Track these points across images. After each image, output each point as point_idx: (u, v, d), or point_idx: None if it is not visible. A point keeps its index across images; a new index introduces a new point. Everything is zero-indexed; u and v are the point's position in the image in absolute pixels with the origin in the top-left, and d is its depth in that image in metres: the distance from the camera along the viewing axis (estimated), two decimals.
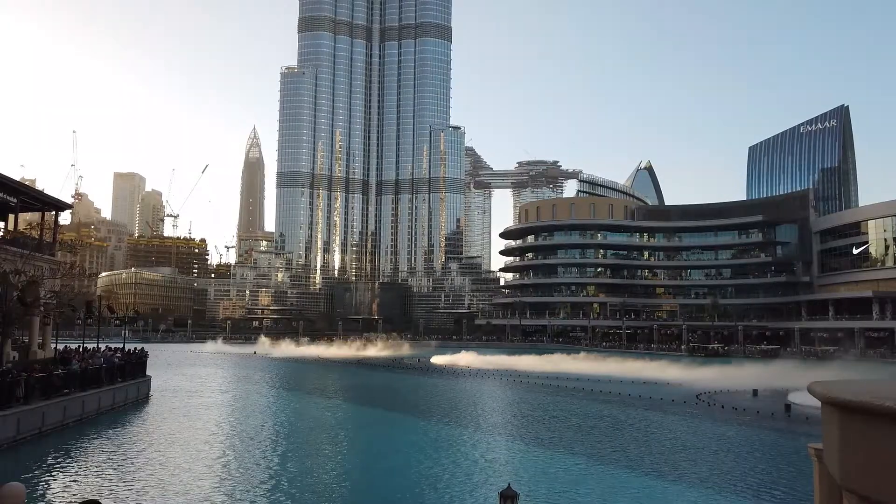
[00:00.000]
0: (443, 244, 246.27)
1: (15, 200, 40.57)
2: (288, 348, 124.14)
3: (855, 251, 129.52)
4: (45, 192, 61.90)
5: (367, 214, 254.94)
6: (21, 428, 27.94)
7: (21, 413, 28.20)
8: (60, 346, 47.24)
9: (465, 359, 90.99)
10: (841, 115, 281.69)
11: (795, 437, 34.03)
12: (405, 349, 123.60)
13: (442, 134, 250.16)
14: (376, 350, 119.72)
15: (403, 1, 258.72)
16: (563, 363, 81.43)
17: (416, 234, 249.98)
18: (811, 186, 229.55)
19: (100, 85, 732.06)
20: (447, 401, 50.26)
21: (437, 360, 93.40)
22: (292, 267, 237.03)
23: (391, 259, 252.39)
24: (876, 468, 2.35)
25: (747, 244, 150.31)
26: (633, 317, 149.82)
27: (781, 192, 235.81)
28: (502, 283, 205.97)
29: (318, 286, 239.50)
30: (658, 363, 78.86)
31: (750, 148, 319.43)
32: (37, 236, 44.95)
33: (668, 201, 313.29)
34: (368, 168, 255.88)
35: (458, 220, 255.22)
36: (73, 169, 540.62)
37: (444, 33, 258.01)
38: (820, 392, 2.81)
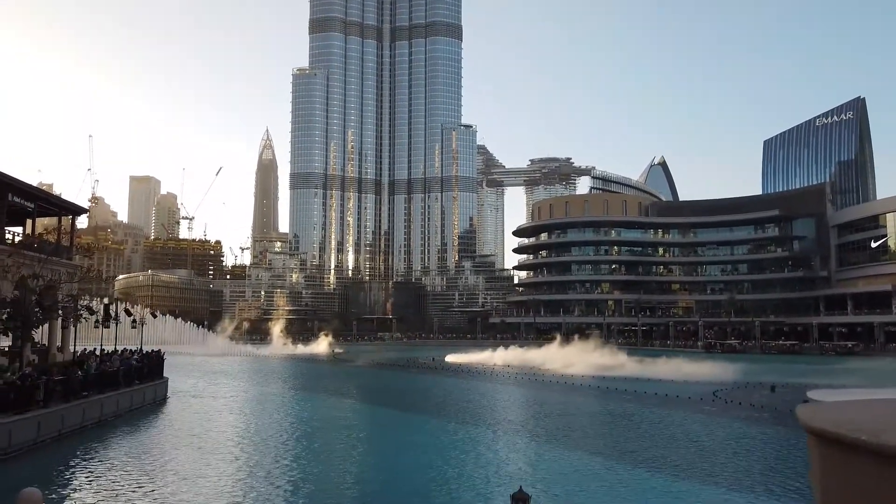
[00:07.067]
0: (456, 243, 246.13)
1: (32, 205, 41.03)
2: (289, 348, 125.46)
3: (873, 245, 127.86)
4: (62, 196, 62.66)
5: (380, 214, 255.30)
6: (41, 431, 28.29)
7: (41, 416, 28.57)
8: (79, 349, 47.77)
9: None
10: (857, 108, 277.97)
11: None
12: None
13: (454, 133, 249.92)
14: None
15: (413, 0, 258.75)
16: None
17: (429, 233, 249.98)
18: (828, 180, 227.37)
19: (115, 89, 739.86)
20: (460, 401, 50.26)
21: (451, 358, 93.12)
22: (306, 267, 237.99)
23: (405, 258, 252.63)
24: (854, 499, 2.34)
25: (764, 239, 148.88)
26: (648, 313, 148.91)
27: (797, 186, 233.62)
28: (516, 281, 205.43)
29: (332, 286, 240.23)
30: (674, 359, 78.17)
31: (765, 142, 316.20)
32: (54, 241, 45.46)
33: (683, 197, 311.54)
34: (381, 168, 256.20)
35: (470, 219, 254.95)
36: (90, 173, 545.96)
37: (455, 32, 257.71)
38: (803, 420, 2.75)
